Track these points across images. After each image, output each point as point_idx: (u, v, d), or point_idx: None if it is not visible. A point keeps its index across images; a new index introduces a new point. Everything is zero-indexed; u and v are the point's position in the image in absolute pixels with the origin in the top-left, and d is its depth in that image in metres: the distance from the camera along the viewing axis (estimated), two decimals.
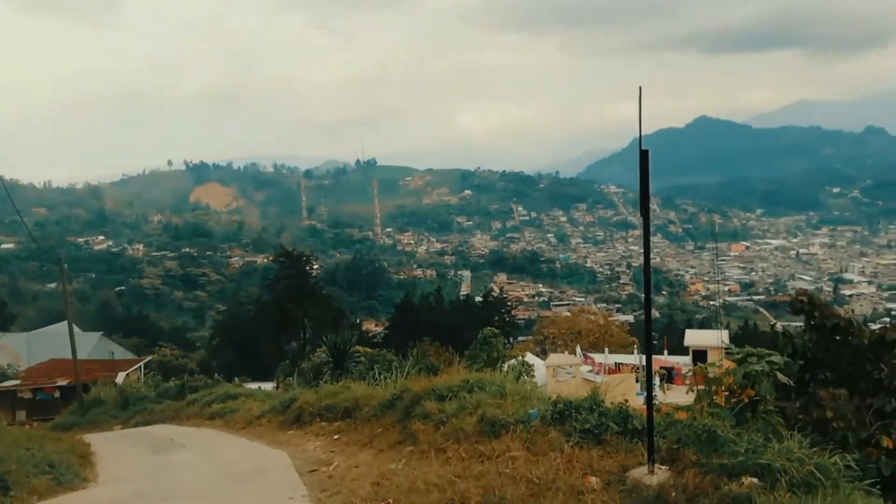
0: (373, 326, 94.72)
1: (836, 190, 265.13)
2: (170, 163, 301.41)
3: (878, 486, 6.08)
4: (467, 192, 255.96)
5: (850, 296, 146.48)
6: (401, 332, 65.36)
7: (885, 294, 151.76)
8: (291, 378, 26.07)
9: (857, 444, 12.84)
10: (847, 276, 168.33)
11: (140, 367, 42.60)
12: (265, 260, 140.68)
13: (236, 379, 38.16)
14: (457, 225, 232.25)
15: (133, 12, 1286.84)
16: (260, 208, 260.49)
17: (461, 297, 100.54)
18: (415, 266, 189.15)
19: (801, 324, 14.76)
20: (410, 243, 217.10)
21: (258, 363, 58.88)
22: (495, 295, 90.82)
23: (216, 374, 40.81)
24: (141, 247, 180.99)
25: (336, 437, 11.41)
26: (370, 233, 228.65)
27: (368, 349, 31.97)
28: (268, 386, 30.86)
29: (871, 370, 15.31)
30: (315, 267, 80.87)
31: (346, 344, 21.63)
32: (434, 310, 78.33)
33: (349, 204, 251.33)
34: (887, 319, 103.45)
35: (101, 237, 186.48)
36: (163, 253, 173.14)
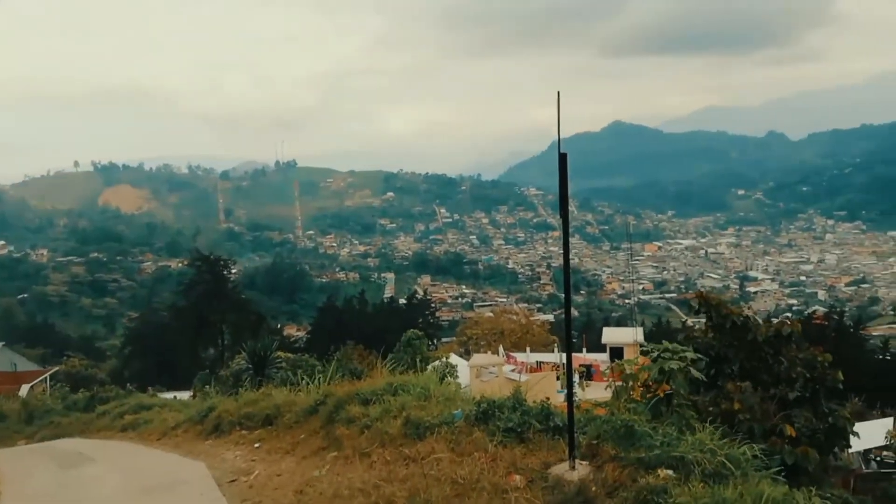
0: (295, 331, 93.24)
1: (741, 192, 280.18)
2: (76, 164, 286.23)
3: (783, 474, 6.44)
4: (390, 194, 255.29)
5: (755, 293, 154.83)
6: (324, 337, 64.59)
7: (787, 290, 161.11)
8: (209, 386, 25.23)
9: (762, 434, 13.58)
10: (752, 273, 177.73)
11: (46, 378, 40.47)
12: (180, 264, 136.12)
13: (150, 389, 36.67)
14: (380, 227, 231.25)
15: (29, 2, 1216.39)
16: (174, 211, 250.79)
17: (385, 300, 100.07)
18: (337, 269, 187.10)
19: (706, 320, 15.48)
20: (333, 246, 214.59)
21: (174, 372, 56.87)
22: (419, 297, 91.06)
23: (128, 385, 39.24)
24: (45, 252, 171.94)
25: (257, 445, 11.15)
26: (291, 235, 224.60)
27: (290, 354, 31.37)
28: (184, 395, 29.83)
29: (772, 363, 16.26)
30: (233, 271, 78.78)
31: (266, 350, 21.09)
32: (357, 313, 77.79)
33: (269, 206, 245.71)
34: (789, 314, 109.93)
35: (2, 242, 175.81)
36: (69, 258, 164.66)
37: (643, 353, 9.63)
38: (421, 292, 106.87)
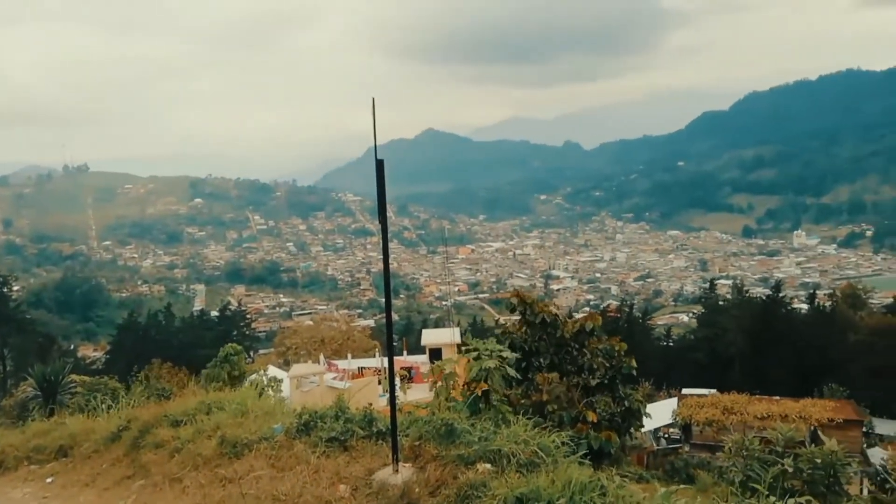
0: (91, 352, 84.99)
1: (543, 197, 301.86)
2: None
3: (589, 458, 6.97)
4: (198, 200, 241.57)
5: (558, 290, 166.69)
6: (126, 356, 59.62)
7: (585, 287, 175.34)
8: None
9: (569, 422, 14.65)
10: (555, 272, 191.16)
11: None
12: None
13: None
14: (187, 236, 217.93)
15: None
16: None
17: (195, 313, 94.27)
18: (140, 282, 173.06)
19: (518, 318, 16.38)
20: (134, 257, 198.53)
21: None
22: (233, 308, 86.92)
23: None
24: None
25: (49, 480, 9.99)
26: (84, 247, 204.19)
27: (87, 377, 28.55)
28: None
29: (577, 355, 17.62)
30: (15, 288, 69.96)
31: (57, 374, 18.99)
32: (164, 329, 72.71)
33: (57, 215, 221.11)
34: (587, 309, 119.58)
35: None
36: None
37: (465, 353, 9.96)
38: (235, 303, 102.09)
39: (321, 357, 44.84)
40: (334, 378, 34.85)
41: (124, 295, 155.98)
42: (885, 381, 52.86)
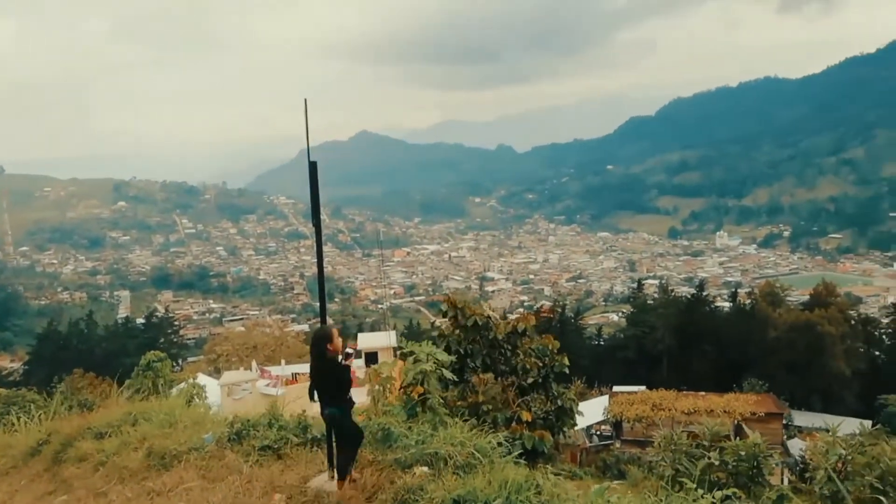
0: (8, 363, 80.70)
1: (477, 200, 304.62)
2: None
3: (524, 457, 7.06)
4: (122, 203, 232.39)
5: (493, 291, 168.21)
6: (45, 366, 56.92)
7: (519, 288, 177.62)
8: None
9: (505, 422, 14.79)
10: (489, 274, 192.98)
11: None
12: None
13: None
14: (111, 240, 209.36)
15: None
16: None
17: (119, 321, 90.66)
18: (60, 289, 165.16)
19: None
20: (54, 263, 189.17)
21: None
22: (160, 315, 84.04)
23: None
24: None
25: None
26: None
27: (3, 390, 27.19)
28: None
29: (510, 356, 17.80)
30: None
31: None
32: (86, 337, 69.74)
33: None
34: (522, 310, 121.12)
35: None
36: None
37: (401, 356, 9.92)
38: (162, 310, 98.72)
39: (253, 364, 43.92)
40: (267, 385, 34.18)
41: (43, 303, 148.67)
42: (802, 376, 55.68)
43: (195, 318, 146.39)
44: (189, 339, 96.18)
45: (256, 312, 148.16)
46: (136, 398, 11.29)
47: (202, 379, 36.29)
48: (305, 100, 6.28)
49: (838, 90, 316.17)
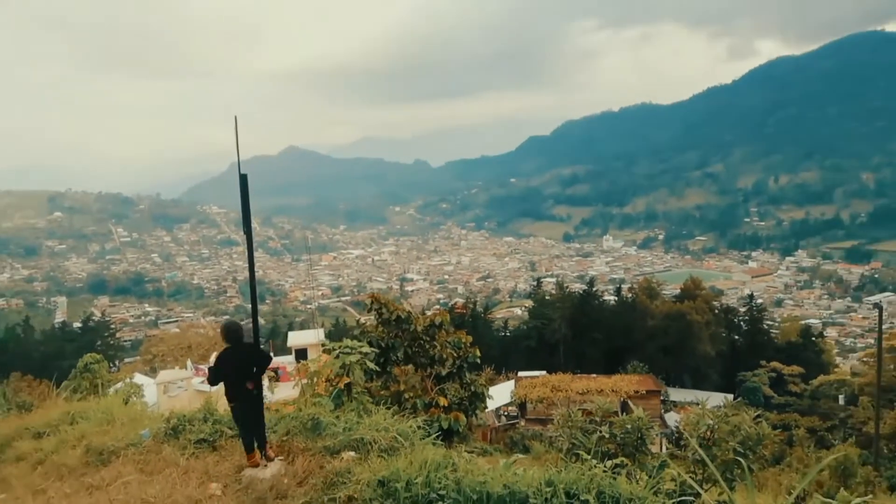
0: None
1: (397, 209, 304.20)
2: None
3: (441, 438, 7.09)
4: (58, 213, 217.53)
5: (412, 291, 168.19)
6: None
7: (436, 288, 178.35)
8: None
9: (424, 408, 14.79)
10: (409, 276, 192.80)
11: None
12: None
13: None
14: (47, 249, 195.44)
15: None
16: None
17: (56, 326, 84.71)
18: None
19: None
20: None
21: None
22: (96, 319, 79.14)
23: None
24: None
25: None
26: None
27: None
28: None
29: (428, 348, 17.84)
30: None
31: None
32: (23, 342, 64.73)
33: None
34: (438, 307, 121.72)
35: None
36: None
37: (325, 352, 9.75)
38: (98, 314, 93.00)
39: (188, 362, 42.10)
40: (202, 382, 32.82)
41: None
42: (676, 357, 58.63)
43: (131, 321, 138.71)
44: (126, 341, 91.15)
45: (191, 315, 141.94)
46: (74, 398, 10.58)
47: (139, 378, 34.44)
48: (236, 117, 6.18)
49: (702, 115, 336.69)
